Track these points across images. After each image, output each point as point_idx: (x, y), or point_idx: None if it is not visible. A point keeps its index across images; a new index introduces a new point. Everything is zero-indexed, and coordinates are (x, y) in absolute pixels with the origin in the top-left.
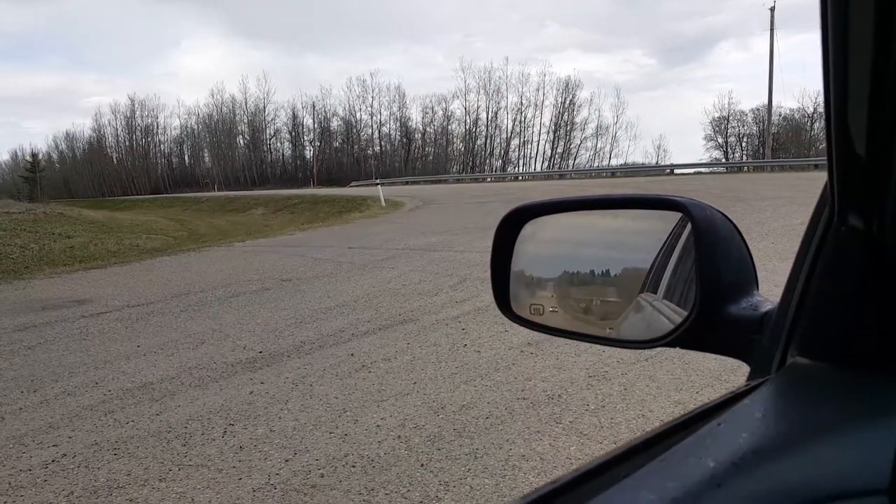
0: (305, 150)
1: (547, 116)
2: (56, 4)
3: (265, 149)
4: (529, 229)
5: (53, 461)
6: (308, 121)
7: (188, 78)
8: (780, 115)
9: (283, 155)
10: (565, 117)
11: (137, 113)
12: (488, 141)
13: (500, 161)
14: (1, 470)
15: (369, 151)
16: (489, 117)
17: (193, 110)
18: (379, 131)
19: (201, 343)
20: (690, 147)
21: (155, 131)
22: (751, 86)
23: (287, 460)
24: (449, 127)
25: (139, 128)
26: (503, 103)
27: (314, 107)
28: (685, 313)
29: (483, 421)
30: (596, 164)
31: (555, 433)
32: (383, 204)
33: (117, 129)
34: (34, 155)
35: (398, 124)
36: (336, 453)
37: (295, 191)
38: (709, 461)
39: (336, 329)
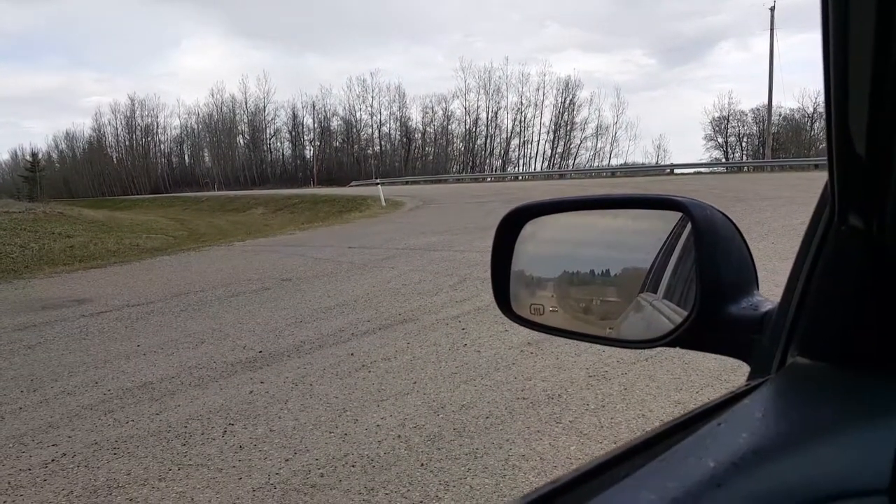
0: (305, 150)
1: (547, 116)
2: (56, 4)
3: (265, 148)
4: (529, 229)
5: (53, 460)
6: (308, 120)
7: (188, 78)
8: (780, 115)
9: (283, 155)
10: (565, 117)
11: (137, 112)
12: (488, 141)
13: (500, 161)
14: (1, 469)
15: (369, 151)
16: (489, 117)
17: (193, 110)
18: (379, 131)
19: (201, 342)
20: (690, 147)
21: (155, 131)
22: (751, 86)
23: (287, 460)
24: (449, 127)
25: (139, 127)
26: (503, 103)
27: (314, 106)
28: (685, 313)
29: (483, 420)
30: (596, 164)
31: (555, 433)
32: (383, 203)
33: (117, 129)
34: (34, 154)
35: (398, 124)
36: (336, 453)
37: (295, 190)
38: (709, 461)
39: (336, 329)
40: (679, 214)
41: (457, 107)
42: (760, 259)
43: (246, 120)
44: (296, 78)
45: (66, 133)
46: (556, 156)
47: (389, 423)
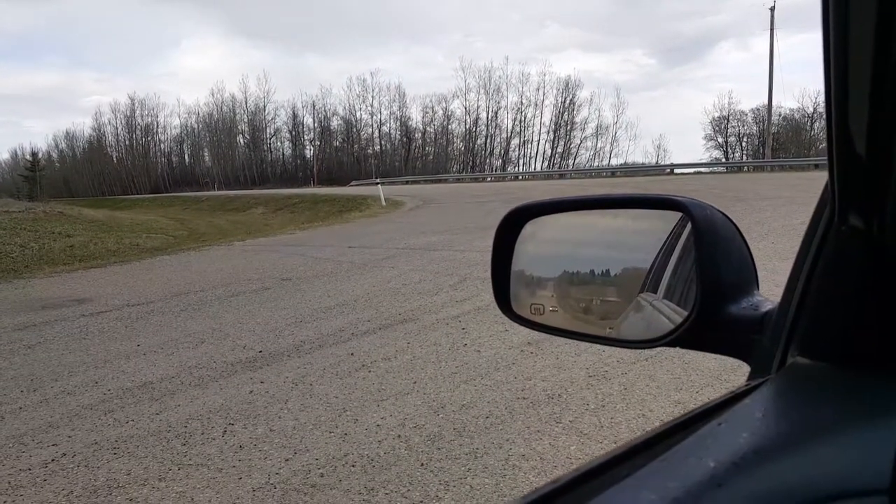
0: (305, 150)
1: (547, 116)
2: (56, 4)
3: (265, 148)
4: (530, 229)
5: (53, 460)
6: (308, 120)
7: (188, 77)
8: (780, 115)
9: (283, 154)
10: (565, 117)
11: (137, 112)
12: (488, 140)
13: (500, 160)
14: (1, 469)
15: (369, 151)
16: (489, 117)
17: (193, 109)
18: (379, 131)
19: (201, 342)
20: (690, 147)
21: (155, 130)
22: (751, 85)
23: (287, 460)
24: (449, 126)
25: (139, 127)
26: (503, 103)
27: (314, 106)
28: (685, 313)
29: (483, 420)
30: (596, 164)
31: (555, 433)
32: (383, 203)
33: (117, 129)
34: (34, 154)
35: (398, 124)
36: (336, 453)
37: (295, 190)
38: (709, 461)
39: (336, 328)
40: (679, 214)
41: (457, 106)
42: (760, 259)
43: (246, 119)
44: (296, 78)
45: (66, 132)
46: (556, 155)
47: (389, 423)
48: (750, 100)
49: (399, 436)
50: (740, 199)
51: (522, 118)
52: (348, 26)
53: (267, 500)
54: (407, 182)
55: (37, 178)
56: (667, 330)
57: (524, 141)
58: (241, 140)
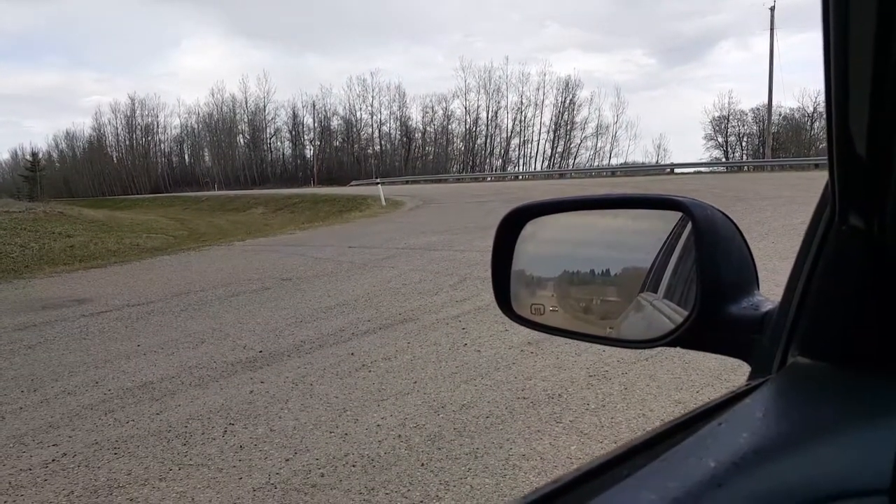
0: (306, 150)
1: (547, 116)
2: (56, 4)
3: (265, 148)
4: (530, 229)
5: (54, 460)
6: (308, 120)
7: (188, 77)
8: (780, 115)
9: (283, 154)
10: (565, 117)
11: (137, 112)
12: (488, 140)
13: (501, 160)
14: (1, 469)
15: (369, 151)
16: (489, 117)
17: (194, 109)
18: (379, 130)
19: (201, 342)
20: (690, 146)
21: (155, 130)
22: (751, 85)
23: (287, 460)
24: (449, 126)
25: (139, 127)
26: (503, 103)
27: (314, 106)
28: (686, 313)
29: (483, 420)
30: (596, 164)
31: (555, 432)
32: (383, 203)
33: (117, 129)
34: (34, 154)
35: (398, 123)
36: (336, 453)
37: (295, 190)
38: (710, 461)
39: (336, 328)
40: (679, 214)
41: (457, 106)
42: (761, 258)
43: (246, 119)
44: (296, 78)
45: (67, 133)
46: (557, 155)
47: (390, 423)
48: (750, 99)
49: (399, 436)
50: (740, 199)
51: (522, 118)
52: (348, 26)
53: (267, 500)
54: (407, 182)
55: (37, 178)
56: (667, 330)
57: (524, 141)
58: (242, 140)
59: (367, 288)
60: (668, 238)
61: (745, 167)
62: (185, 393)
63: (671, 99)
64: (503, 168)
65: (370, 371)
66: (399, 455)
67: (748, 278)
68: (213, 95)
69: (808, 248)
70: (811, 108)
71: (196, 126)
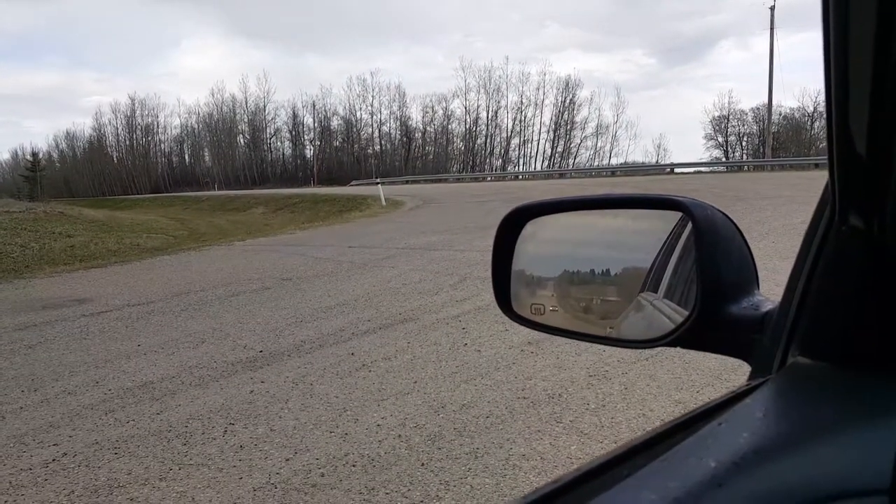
0: (306, 150)
1: (547, 115)
2: (56, 4)
3: (265, 148)
4: (530, 229)
5: (54, 460)
6: (308, 120)
7: (188, 77)
8: (780, 115)
9: (283, 154)
10: (565, 116)
11: (138, 112)
12: (488, 140)
13: (500, 160)
14: (2, 469)
15: (369, 150)
16: (489, 116)
17: (194, 109)
18: (379, 130)
19: (202, 342)
20: (691, 146)
21: (155, 130)
22: (751, 85)
23: (287, 459)
24: (449, 126)
25: (139, 127)
26: (503, 102)
27: (314, 106)
28: (686, 313)
29: (483, 420)
30: (596, 164)
31: (555, 432)
32: (383, 203)
33: (117, 129)
34: (34, 154)
35: (398, 123)
36: (336, 452)
37: (295, 190)
38: (710, 461)
39: (336, 328)
40: (679, 214)
41: (457, 106)
42: (761, 258)
43: (246, 119)
44: (296, 78)
45: (67, 133)
46: (557, 155)
47: (390, 423)
48: (750, 99)
49: (399, 435)
50: (740, 199)
51: (522, 118)
52: (348, 26)
53: (267, 499)
54: (407, 182)
55: (37, 178)
56: (667, 330)
57: (524, 140)
58: (242, 140)
59: (367, 288)
60: (668, 238)
61: (746, 167)
62: (185, 393)
63: (671, 99)
64: (503, 168)
65: (370, 371)
66: (399, 455)
67: (748, 278)
68: (213, 95)
69: (808, 248)
70: (811, 108)
71: (196, 126)
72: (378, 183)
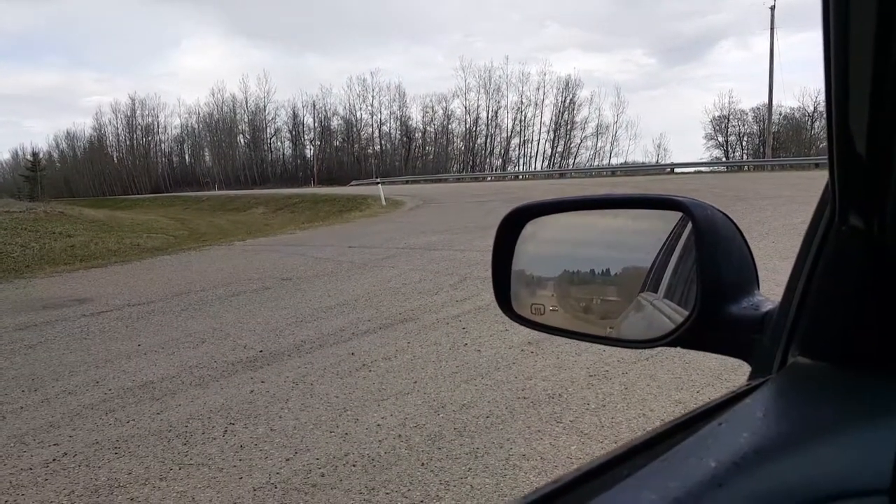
0: (306, 150)
1: (547, 115)
2: (56, 4)
3: (266, 148)
4: (530, 229)
5: (54, 460)
6: (308, 120)
7: (188, 77)
8: (780, 114)
9: (283, 154)
10: (565, 116)
11: (138, 112)
12: (488, 140)
13: (501, 160)
14: (2, 469)
15: (369, 150)
16: (489, 116)
17: (194, 109)
18: (379, 130)
19: (202, 342)
20: (691, 146)
21: (155, 130)
22: (751, 85)
23: (288, 459)
24: (449, 126)
25: (140, 127)
26: (503, 102)
27: (314, 106)
28: (686, 313)
29: (484, 420)
30: (596, 163)
31: (555, 432)
32: (384, 203)
33: (118, 129)
34: (35, 154)
35: (398, 123)
36: (337, 452)
37: (295, 190)
38: (710, 461)
39: (336, 328)
40: (679, 214)
41: (457, 106)
42: (761, 258)
43: (246, 119)
44: (296, 78)
45: (67, 133)
46: (557, 155)
47: (390, 423)
48: (750, 99)
49: (400, 435)
50: (741, 199)
51: (522, 118)
52: (348, 26)
53: (268, 499)
54: (407, 182)
55: (37, 178)
56: (667, 330)
57: (524, 140)
58: (242, 140)
59: (367, 288)
60: (668, 238)
61: (746, 167)
62: (185, 392)
63: (671, 98)
64: (503, 168)
65: (370, 371)
66: (399, 455)
67: (748, 278)
68: (213, 95)
69: (809, 248)
70: (811, 108)
71: (196, 126)
72: (378, 183)
